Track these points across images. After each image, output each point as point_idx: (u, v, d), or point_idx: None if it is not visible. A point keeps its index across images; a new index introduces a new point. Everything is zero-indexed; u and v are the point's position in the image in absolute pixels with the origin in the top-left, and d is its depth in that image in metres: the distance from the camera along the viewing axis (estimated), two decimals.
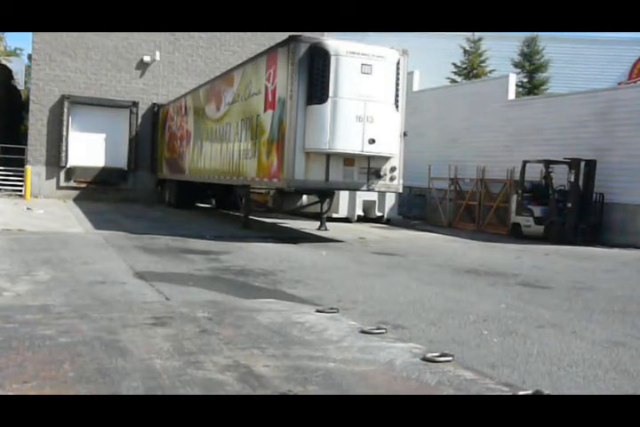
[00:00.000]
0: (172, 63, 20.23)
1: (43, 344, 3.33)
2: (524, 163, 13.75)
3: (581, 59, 25.78)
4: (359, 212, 15.65)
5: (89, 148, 19.41)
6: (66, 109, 19.12)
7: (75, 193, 19.29)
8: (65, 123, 19.14)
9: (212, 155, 14.14)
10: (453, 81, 23.51)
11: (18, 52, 41.34)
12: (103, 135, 19.81)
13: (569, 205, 12.92)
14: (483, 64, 24.17)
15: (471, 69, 24.22)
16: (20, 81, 31.13)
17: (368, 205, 15.70)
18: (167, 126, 18.92)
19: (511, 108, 16.22)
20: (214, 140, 13.97)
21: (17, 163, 18.96)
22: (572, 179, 12.90)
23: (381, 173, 10.29)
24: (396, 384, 2.48)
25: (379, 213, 15.80)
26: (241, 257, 8.17)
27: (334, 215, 14.53)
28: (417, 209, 17.95)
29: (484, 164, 15.49)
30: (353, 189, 11.56)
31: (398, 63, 10.32)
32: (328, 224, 12.86)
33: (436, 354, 3.54)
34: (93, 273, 6.25)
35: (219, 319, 4.22)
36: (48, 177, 19.20)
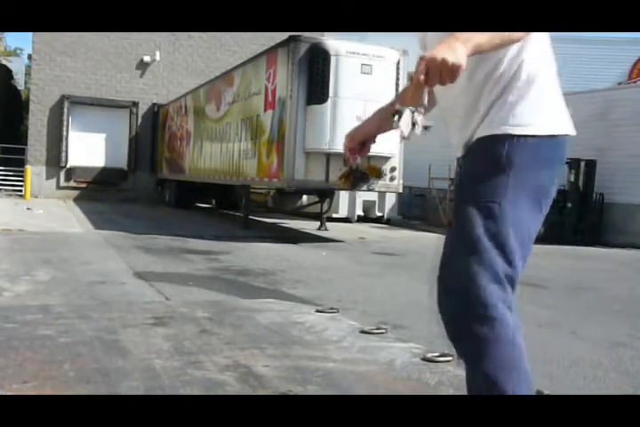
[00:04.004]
0: (171, 63, 20.22)
1: (43, 344, 3.33)
2: None
3: (581, 59, 25.77)
4: (359, 212, 15.65)
5: (89, 148, 19.41)
6: (66, 109, 19.11)
7: (75, 193, 19.29)
8: (65, 123, 19.13)
9: (212, 155, 14.14)
10: None
11: (18, 52, 41.40)
12: (103, 135, 19.81)
13: (569, 205, 12.91)
14: None
15: None
16: (20, 81, 31.15)
17: (368, 205, 15.70)
18: (167, 126, 18.92)
19: None
20: (214, 140, 13.97)
21: (17, 163, 18.96)
22: (572, 179, 12.89)
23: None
24: (396, 384, 2.48)
25: (379, 213, 15.80)
26: (241, 257, 8.17)
27: (334, 215, 14.53)
28: (417, 209, 17.95)
29: None
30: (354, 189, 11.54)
31: (398, 63, 10.32)
32: (328, 224, 12.86)
33: (436, 354, 3.52)
34: (93, 273, 6.24)
35: (219, 319, 4.21)
36: (48, 177, 19.20)
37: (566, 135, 1.66)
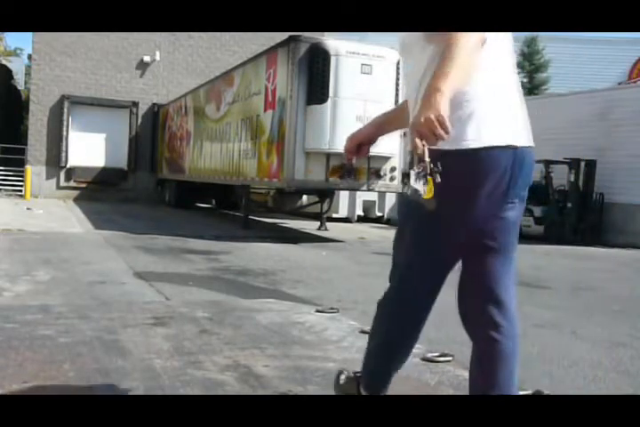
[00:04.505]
0: (172, 63, 20.22)
1: (43, 344, 3.33)
2: None
3: (581, 59, 25.78)
4: (359, 212, 15.64)
5: (89, 148, 19.40)
6: (66, 109, 19.10)
7: (75, 193, 19.28)
8: (65, 123, 19.12)
9: (212, 155, 14.14)
10: None
11: (18, 52, 41.37)
12: (103, 135, 19.80)
13: (569, 205, 12.91)
14: None
15: None
16: (20, 81, 31.13)
17: (368, 205, 15.70)
18: (167, 126, 18.92)
19: None
20: (214, 140, 13.97)
21: (17, 163, 18.96)
22: (572, 179, 12.89)
23: (381, 173, 10.29)
24: (396, 384, 2.48)
25: (379, 213, 15.80)
26: (241, 257, 8.17)
27: (334, 215, 14.53)
28: None
29: None
30: (353, 189, 11.55)
31: (398, 63, 10.32)
32: (328, 224, 12.86)
33: (436, 354, 3.52)
34: (93, 273, 6.24)
35: (219, 319, 4.21)
36: (48, 177, 19.19)
37: (500, 146, 1.76)
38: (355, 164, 2.06)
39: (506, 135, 1.79)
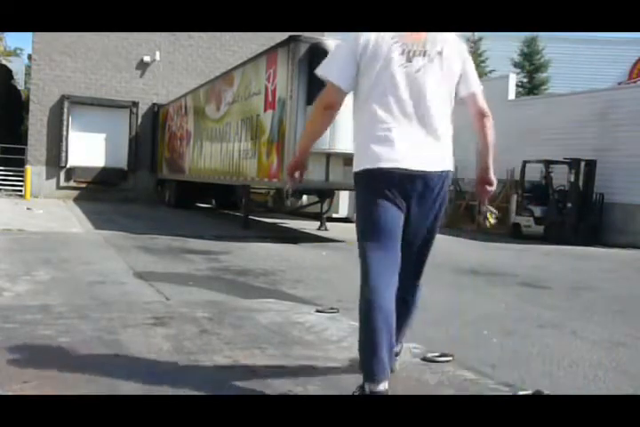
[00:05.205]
0: (172, 63, 20.21)
1: (43, 344, 3.33)
2: (524, 163, 13.73)
3: (581, 59, 25.78)
4: None
5: (89, 148, 19.39)
6: (66, 109, 19.10)
7: (75, 193, 19.28)
8: (65, 123, 19.12)
9: (212, 155, 14.14)
10: None
11: (18, 52, 41.33)
12: (103, 135, 19.79)
13: (569, 205, 12.91)
14: (483, 64, 24.18)
15: None
16: (20, 81, 31.12)
17: None
18: (167, 126, 18.91)
19: (511, 108, 16.22)
20: (214, 140, 13.97)
21: (17, 163, 18.95)
22: (572, 179, 12.89)
23: None
24: (396, 384, 2.48)
25: None
26: (241, 257, 8.17)
27: (334, 215, 14.52)
28: None
29: None
30: (353, 189, 11.54)
31: None
32: (328, 224, 12.86)
33: (436, 354, 3.53)
34: (93, 273, 6.24)
35: (219, 319, 4.21)
36: (48, 177, 19.19)
37: (388, 168, 2.47)
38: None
39: (393, 160, 2.45)
